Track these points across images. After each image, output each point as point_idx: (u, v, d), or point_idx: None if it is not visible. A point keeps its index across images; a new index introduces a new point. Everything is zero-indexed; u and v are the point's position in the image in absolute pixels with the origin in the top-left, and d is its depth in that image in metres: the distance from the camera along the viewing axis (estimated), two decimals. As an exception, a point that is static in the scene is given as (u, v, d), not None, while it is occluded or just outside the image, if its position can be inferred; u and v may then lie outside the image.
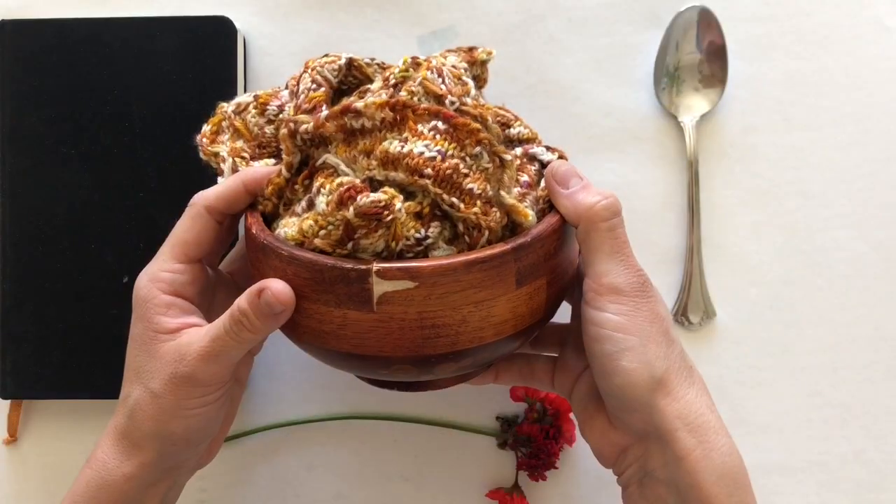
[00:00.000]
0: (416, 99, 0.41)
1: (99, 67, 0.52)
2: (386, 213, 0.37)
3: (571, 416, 0.52)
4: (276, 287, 0.39)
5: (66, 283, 0.52)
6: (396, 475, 0.53)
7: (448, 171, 0.38)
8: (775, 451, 0.52)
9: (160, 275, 0.42)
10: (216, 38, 0.52)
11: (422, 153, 0.38)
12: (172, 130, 0.52)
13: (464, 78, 0.42)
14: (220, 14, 0.52)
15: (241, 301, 0.40)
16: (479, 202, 0.39)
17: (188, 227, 0.43)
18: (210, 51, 0.52)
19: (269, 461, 0.53)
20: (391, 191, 0.38)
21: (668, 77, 0.53)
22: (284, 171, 0.42)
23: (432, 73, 0.41)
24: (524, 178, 0.42)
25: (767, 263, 0.52)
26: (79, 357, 0.52)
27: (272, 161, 0.44)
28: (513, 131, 0.44)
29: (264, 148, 0.45)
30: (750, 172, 0.52)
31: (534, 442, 0.51)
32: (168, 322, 0.42)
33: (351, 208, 0.37)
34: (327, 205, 0.38)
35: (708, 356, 0.52)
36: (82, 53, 0.52)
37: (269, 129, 0.45)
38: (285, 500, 0.53)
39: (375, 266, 0.37)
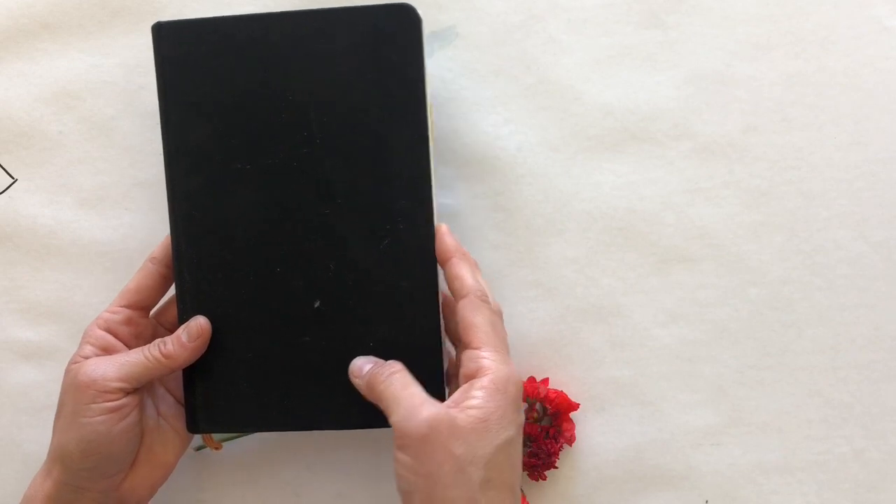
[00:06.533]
0: None
1: (269, 70, 0.46)
2: None
3: (572, 415, 0.52)
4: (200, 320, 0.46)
5: (251, 311, 0.47)
6: (396, 475, 0.53)
7: None
8: (775, 451, 0.52)
9: (102, 314, 0.47)
10: (398, 29, 0.46)
11: None
12: (358, 137, 0.46)
13: None
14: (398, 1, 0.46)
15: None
16: None
17: (133, 277, 0.48)
18: (393, 45, 0.46)
19: (269, 461, 0.53)
20: None
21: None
22: None
23: None
24: None
25: (767, 263, 0.53)
26: (268, 389, 0.47)
27: None
28: None
29: None
30: (750, 172, 0.53)
31: (534, 441, 0.51)
32: (88, 350, 0.46)
33: None
34: None
35: (707, 355, 0.52)
36: (249, 55, 0.46)
37: None
38: (285, 499, 0.53)
39: None
